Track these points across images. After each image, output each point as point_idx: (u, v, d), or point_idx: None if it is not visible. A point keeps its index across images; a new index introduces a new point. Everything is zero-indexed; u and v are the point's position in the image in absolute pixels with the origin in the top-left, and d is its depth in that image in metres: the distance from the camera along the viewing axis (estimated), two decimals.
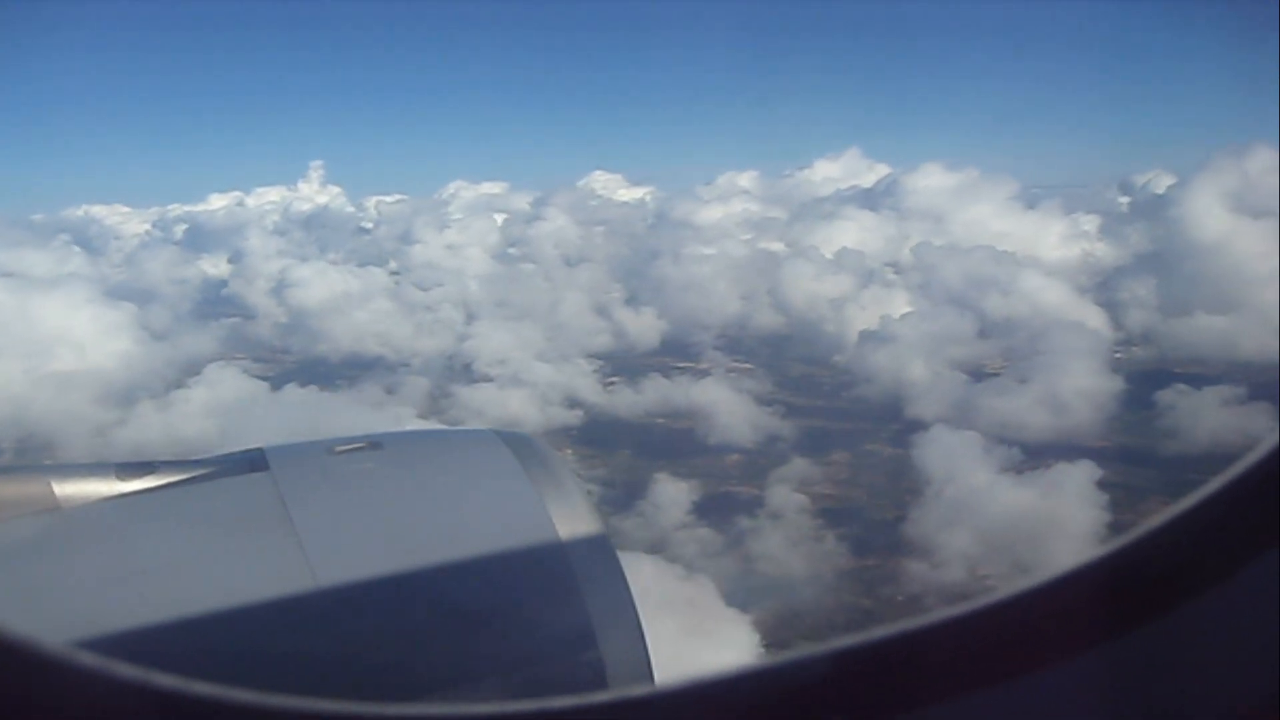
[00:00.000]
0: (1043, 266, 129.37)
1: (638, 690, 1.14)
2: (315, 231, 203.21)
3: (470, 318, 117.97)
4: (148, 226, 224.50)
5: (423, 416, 78.25)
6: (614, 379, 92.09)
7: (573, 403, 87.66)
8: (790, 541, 59.08)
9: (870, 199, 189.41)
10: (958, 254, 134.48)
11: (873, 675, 1.07)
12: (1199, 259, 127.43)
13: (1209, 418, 70.26)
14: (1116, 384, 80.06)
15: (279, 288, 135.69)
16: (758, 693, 1.06)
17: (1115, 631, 1.07)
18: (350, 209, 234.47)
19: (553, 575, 2.20)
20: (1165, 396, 74.90)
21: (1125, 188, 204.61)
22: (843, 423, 78.13)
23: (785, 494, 63.96)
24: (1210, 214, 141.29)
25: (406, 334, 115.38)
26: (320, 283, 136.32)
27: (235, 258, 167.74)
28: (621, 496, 63.10)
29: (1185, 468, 61.97)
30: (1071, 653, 1.07)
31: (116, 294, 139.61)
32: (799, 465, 69.18)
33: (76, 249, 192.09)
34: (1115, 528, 52.65)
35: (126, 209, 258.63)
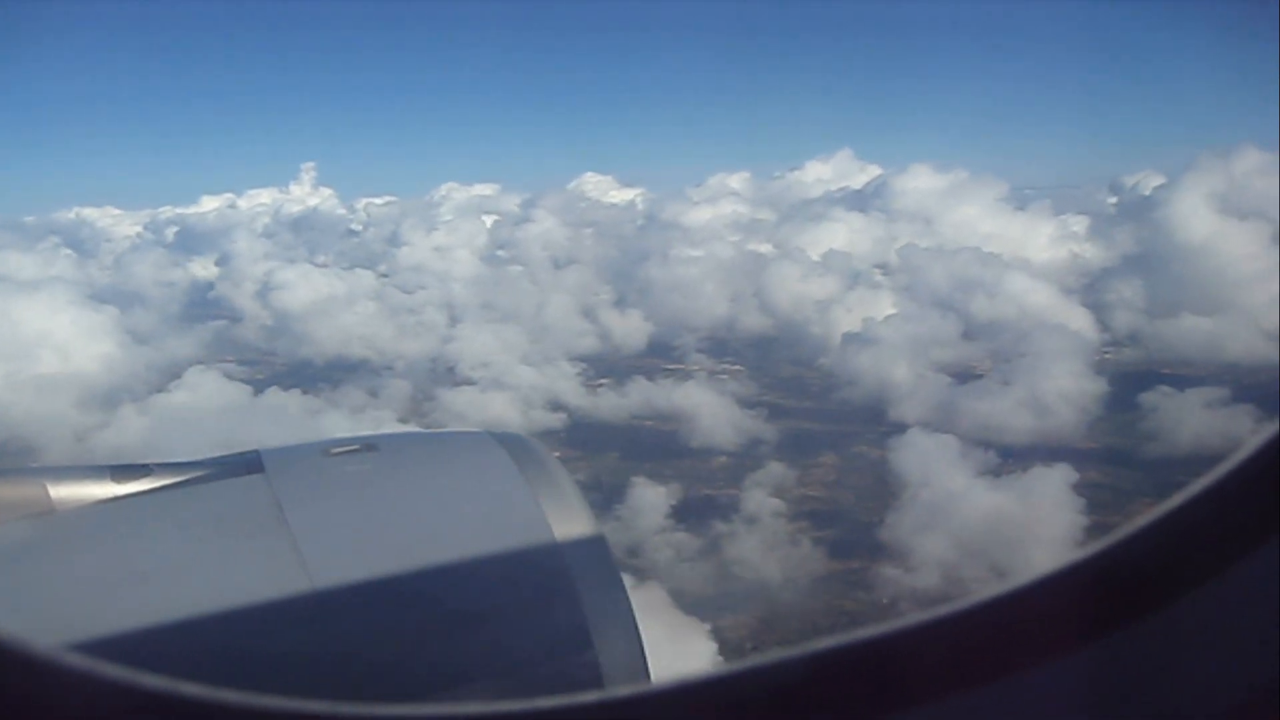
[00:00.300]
0: (1030, 268, 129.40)
1: (633, 689, 1.13)
2: (304, 234, 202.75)
3: (455, 320, 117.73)
4: (139, 229, 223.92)
5: (403, 420, 78.04)
6: (603, 380, 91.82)
7: (556, 406, 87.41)
8: (767, 545, 58.88)
9: (860, 200, 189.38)
10: (943, 256, 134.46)
11: (865, 674, 1.07)
12: (1185, 260, 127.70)
13: (1192, 419, 70.20)
14: (1100, 386, 79.94)
15: (264, 290, 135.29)
16: (751, 691, 1.05)
17: (1110, 628, 1.07)
18: (341, 211, 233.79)
19: (548, 576, 2.20)
20: (1149, 398, 74.81)
21: (1115, 188, 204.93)
22: (830, 425, 77.99)
23: (763, 498, 63.72)
24: (1196, 215, 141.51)
25: (391, 337, 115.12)
26: (305, 285, 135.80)
27: (222, 260, 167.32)
28: (602, 500, 62.81)
29: (1170, 469, 61.86)
30: (1067, 650, 1.06)
31: (103, 297, 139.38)
32: (787, 468, 68.87)
33: (66, 251, 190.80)
34: (1100, 529, 52.45)
35: (118, 211, 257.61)
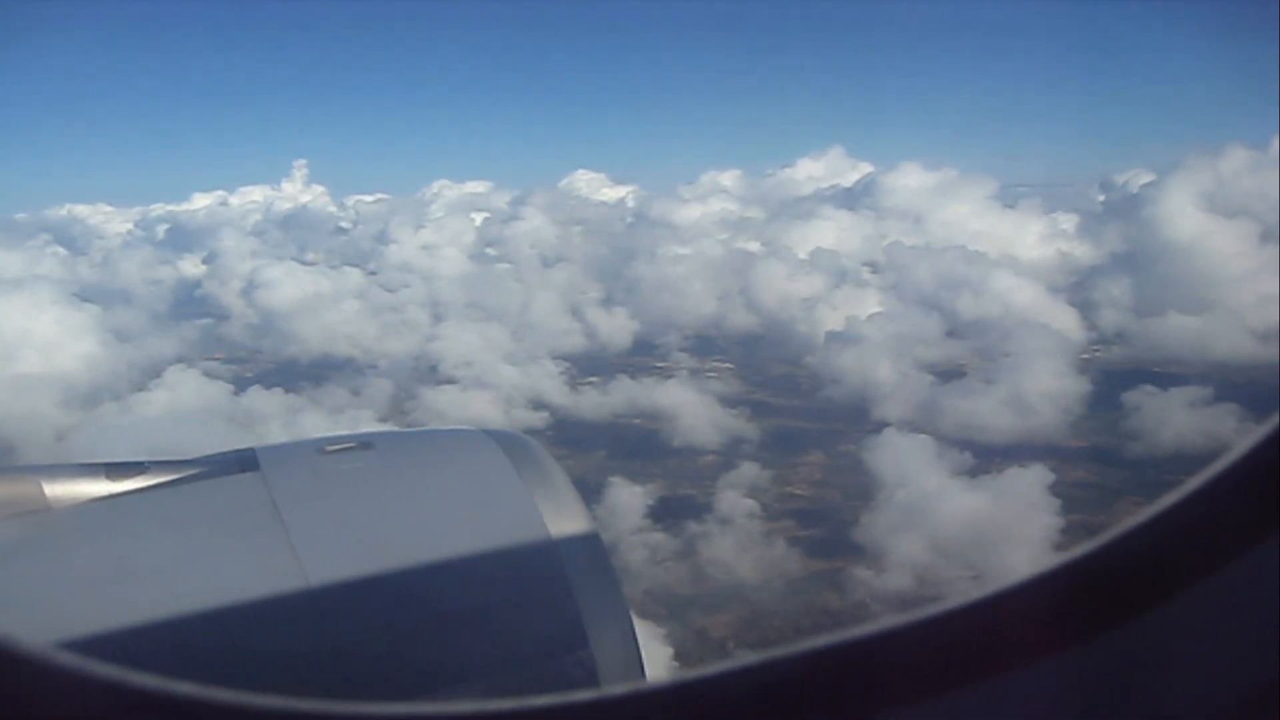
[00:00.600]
0: (1018, 266, 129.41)
1: (628, 688, 1.13)
2: (293, 231, 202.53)
3: (439, 319, 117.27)
4: (130, 226, 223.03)
5: (383, 420, 77.53)
6: (592, 379, 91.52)
7: (538, 405, 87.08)
8: (749, 544, 58.58)
9: (849, 198, 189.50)
10: (929, 254, 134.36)
11: (860, 673, 1.07)
12: (1172, 258, 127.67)
13: (1176, 419, 70.10)
14: (1084, 385, 79.80)
15: (249, 289, 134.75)
16: (745, 690, 1.06)
17: (1104, 627, 1.07)
18: (332, 209, 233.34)
19: (544, 575, 2.21)
20: (1133, 397, 74.65)
21: (1106, 186, 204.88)
22: (817, 423, 77.74)
23: (741, 498, 63.40)
24: (1183, 214, 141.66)
25: (376, 335, 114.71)
26: (291, 284, 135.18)
27: (209, 258, 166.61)
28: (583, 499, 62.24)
29: (1155, 469, 61.87)
30: (1061, 649, 1.06)
31: (90, 294, 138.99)
32: (771, 467, 68.65)
33: (57, 249, 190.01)
34: (1086, 527, 52.41)
35: (110, 208, 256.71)
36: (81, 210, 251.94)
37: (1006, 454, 65.53)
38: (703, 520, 61.28)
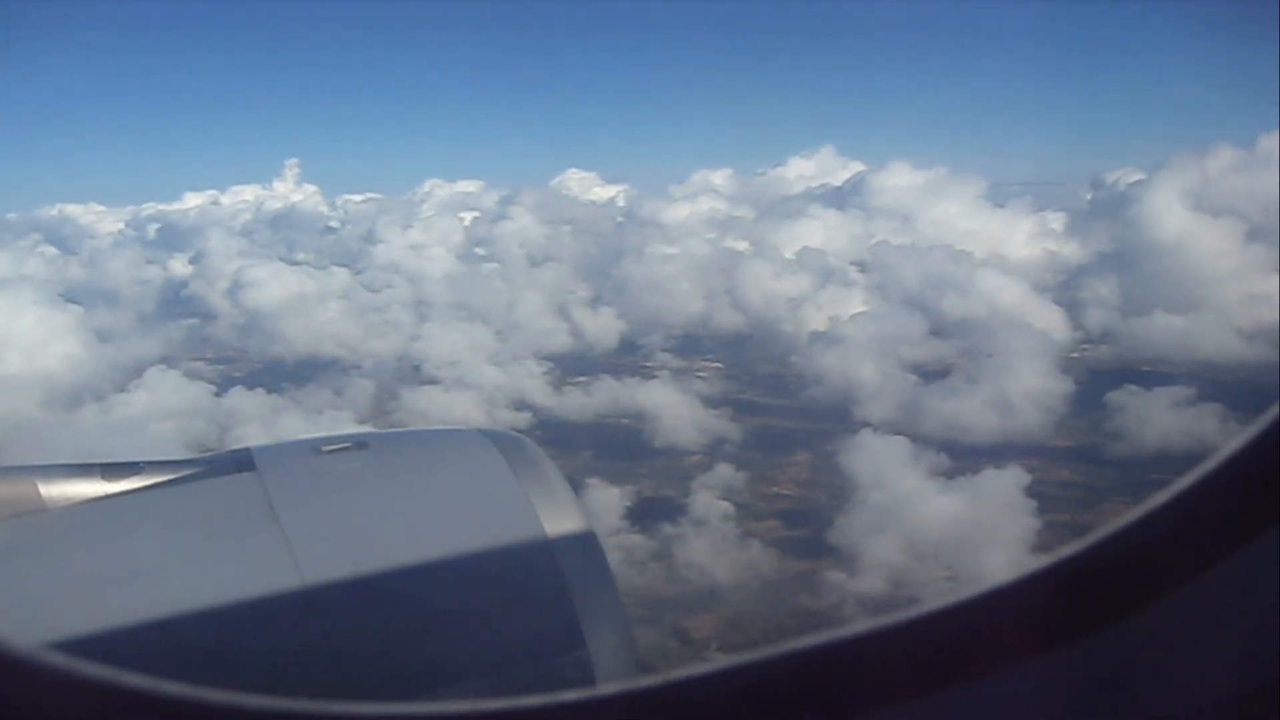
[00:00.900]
0: (1005, 265, 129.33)
1: (623, 687, 1.14)
2: (282, 231, 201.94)
3: (424, 319, 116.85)
4: (121, 225, 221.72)
5: (362, 421, 77.15)
6: (580, 379, 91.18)
7: (521, 405, 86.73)
8: (735, 544, 58.40)
9: (838, 197, 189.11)
10: (915, 254, 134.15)
11: (852, 672, 1.07)
12: (1159, 257, 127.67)
13: (1159, 419, 70.05)
14: (1067, 385, 79.69)
15: (234, 289, 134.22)
16: (740, 688, 1.06)
17: (1095, 626, 1.06)
18: (323, 208, 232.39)
19: (540, 574, 2.22)
20: (1116, 397, 74.57)
21: (1097, 185, 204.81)
22: (804, 423, 77.51)
23: (721, 499, 63.14)
24: (1169, 212, 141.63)
25: (362, 336, 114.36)
26: (276, 284, 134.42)
27: (196, 258, 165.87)
28: None
29: (1140, 468, 61.78)
30: (1051, 649, 1.06)
31: (77, 295, 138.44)
32: (758, 466, 68.44)
33: (45, 249, 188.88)
34: (1071, 527, 52.30)
35: (102, 208, 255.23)
36: (73, 210, 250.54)
37: (986, 455, 65.38)
38: (678, 522, 61.07)
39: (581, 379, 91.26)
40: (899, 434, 68.81)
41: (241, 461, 2.51)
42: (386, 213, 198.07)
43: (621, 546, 58.03)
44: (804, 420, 78.45)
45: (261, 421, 77.21)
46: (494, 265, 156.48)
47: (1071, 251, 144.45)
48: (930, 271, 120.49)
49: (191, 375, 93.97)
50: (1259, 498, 1.07)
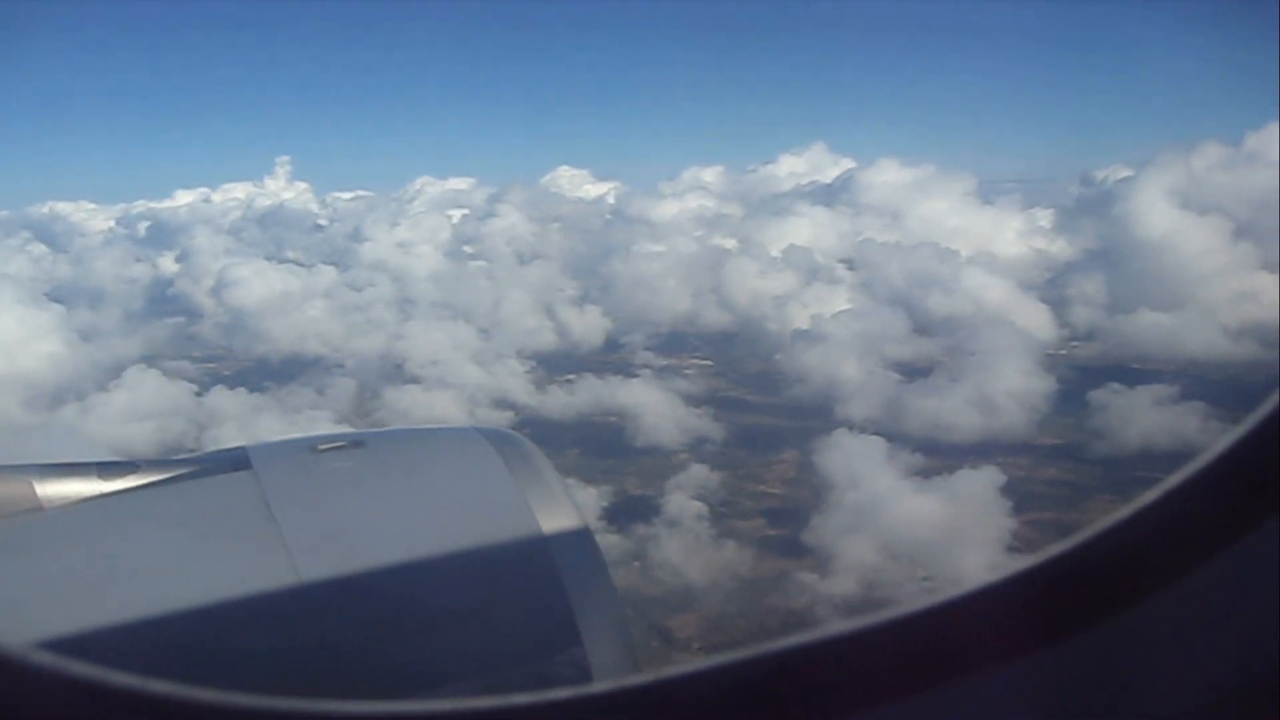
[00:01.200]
0: (992, 262, 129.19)
1: (619, 684, 1.14)
2: (271, 229, 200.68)
3: (407, 317, 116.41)
4: (112, 223, 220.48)
5: (341, 421, 76.76)
6: (568, 376, 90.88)
7: (503, 404, 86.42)
8: (719, 545, 58.20)
9: (827, 195, 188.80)
10: (900, 251, 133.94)
11: (842, 671, 1.07)
12: (1145, 255, 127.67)
13: (1143, 417, 69.99)
14: (1050, 383, 79.59)
15: (219, 287, 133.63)
16: (723, 687, 1.06)
17: (1084, 625, 1.06)
18: (313, 206, 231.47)
19: (536, 572, 2.22)
20: (1100, 396, 74.50)
21: (1086, 182, 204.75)
22: (791, 421, 77.32)
23: (706, 496, 62.96)
24: (1156, 210, 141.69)
25: (346, 334, 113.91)
26: (260, 282, 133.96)
27: (182, 256, 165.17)
28: None
29: (1124, 466, 61.71)
30: (1039, 648, 1.06)
31: (64, 293, 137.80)
32: (746, 465, 68.27)
33: (35, 247, 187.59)
34: (1055, 526, 52.22)
35: (92, 205, 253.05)
36: (63, 207, 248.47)
37: (968, 453, 65.21)
38: (657, 520, 60.89)
39: (565, 377, 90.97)
40: (878, 433, 68.64)
41: (237, 460, 2.51)
42: (375, 210, 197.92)
43: (603, 545, 57.76)
44: (790, 418, 78.24)
45: (240, 421, 76.79)
46: (481, 263, 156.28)
47: (1059, 249, 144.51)
48: (916, 269, 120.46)
49: (176, 374, 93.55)
50: (1253, 493, 1.06)
